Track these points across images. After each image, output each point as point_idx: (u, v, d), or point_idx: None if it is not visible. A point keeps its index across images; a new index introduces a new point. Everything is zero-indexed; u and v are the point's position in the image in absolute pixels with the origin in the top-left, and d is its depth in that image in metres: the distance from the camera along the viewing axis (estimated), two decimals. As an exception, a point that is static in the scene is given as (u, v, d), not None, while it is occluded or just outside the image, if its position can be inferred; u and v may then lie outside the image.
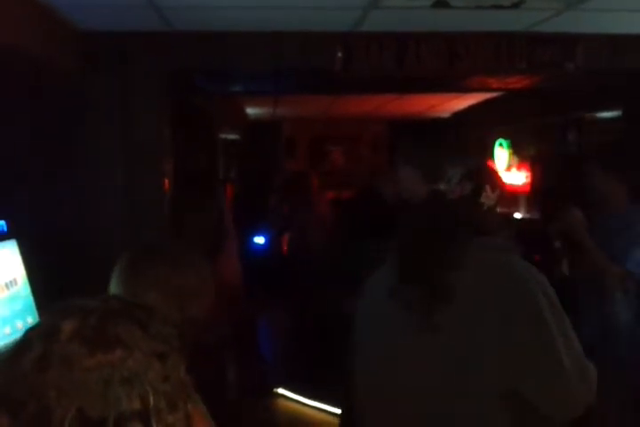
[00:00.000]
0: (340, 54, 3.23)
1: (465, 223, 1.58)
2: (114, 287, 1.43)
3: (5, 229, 2.30)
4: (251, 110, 7.90)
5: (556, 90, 4.84)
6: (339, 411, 3.87)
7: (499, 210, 1.77)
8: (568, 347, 1.45)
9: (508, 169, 7.17)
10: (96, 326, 0.84)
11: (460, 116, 8.34)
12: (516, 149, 7.02)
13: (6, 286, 2.25)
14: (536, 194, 6.17)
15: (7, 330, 2.18)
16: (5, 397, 0.80)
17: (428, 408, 1.50)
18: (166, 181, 3.23)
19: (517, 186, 6.89)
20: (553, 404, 1.46)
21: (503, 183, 1.81)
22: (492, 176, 1.77)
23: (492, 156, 7.55)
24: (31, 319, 2.32)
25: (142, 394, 0.81)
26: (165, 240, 1.63)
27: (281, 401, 3.86)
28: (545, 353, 1.44)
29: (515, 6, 2.75)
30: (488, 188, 1.67)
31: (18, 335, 0.87)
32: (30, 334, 0.86)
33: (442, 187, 1.67)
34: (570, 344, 1.47)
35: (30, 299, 2.35)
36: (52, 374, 0.80)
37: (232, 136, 7.58)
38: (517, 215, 6.58)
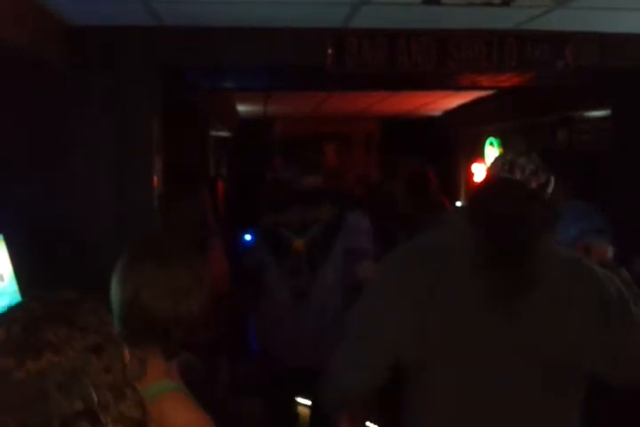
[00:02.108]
0: (330, 51, 3.22)
1: (546, 213, 1.64)
2: (114, 285, 1.43)
3: (-8, 224, 2.29)
4: (242, 108, 7.88)
5: (546, 88, 4.86)
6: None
7: None
8: None
9: (499, 168, 7.19)
10: (20, 334, 0.82)
11: (450, 114, 8.36)
12: (506, 148, 7.05)
13: (-8, 281, 2.23)
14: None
15: (-7, 326, 2.17)
16: None
17: (513, 394, 1.52)
18: (155, 177, 3.21)
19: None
20: (627, 378, 1.58)
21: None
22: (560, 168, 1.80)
23: (482, 154, 7.58)
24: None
25: (83, 394, 0.79)
26: (163, 238, 1.60)
27: (303, 411, 3.84)
28: (630, 337, 1.54)
29: (505, 4, 2.76)
30: (552, 178, 1.69)
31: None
32: None
33: (518, 176, 1.68)
34: None
35: (17, 295, 2.33)
36: None
37: (223, 133, 7.56)
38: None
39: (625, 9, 2.92)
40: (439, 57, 3.30)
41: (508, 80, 3.93)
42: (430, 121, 8.84)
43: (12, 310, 0.89)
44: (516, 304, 1.52)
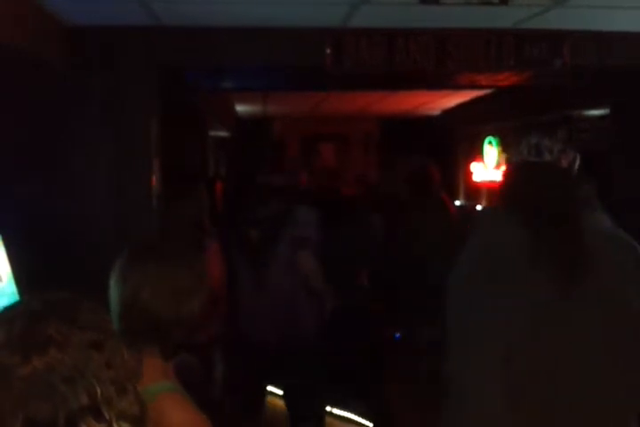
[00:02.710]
0: (329, 50, 3.23)
1: (587, 189, 1.63)
2: (112, 284, 1.42)
3: (-9, 225, 2.28)
4: (240, 108, 7.89)
5: (544, 87, 4.87)
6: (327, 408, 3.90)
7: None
8: None
9: (497, 167, 7.20)
10: (23, 331, 0.83)
11: (449, 113, 8.37)
12: (506, 147, 7.05)
13: (-9, 282, 2.23)
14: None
15: (-8, 327, 2.17)
16: None
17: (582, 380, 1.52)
18: (154, 177, 3.21)
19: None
20: None
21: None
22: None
23: (481, 153, 7.59)
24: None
25: (88, 388, 0.81)
26: (163, 238, 1.60)
27: (270, 399, 3.84)
28: None
29: (503, 3, 2.76)
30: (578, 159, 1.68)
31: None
32: None
33: (548, 158, 1.65)
34: None
35: (15, 296, 2.33)
36: None
37: (222, 133, 7.56)
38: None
39: (623, 7, 2.93)
40: (438, 56, 3.30)
41: (506, 79, 3.93)
42: (429, 120, 8.85)
43: (13, 307, 0.90)
44: (575, 287, 1.51)
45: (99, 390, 0.81)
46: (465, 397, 1.56)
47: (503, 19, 3.14)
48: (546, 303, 1.53)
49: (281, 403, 3.56)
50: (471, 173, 7.93)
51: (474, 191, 8.00)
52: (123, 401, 0.83)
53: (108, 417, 0.81)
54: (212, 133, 6.93)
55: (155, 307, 1.36)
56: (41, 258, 2.61)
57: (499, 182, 1.79)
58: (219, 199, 5.53)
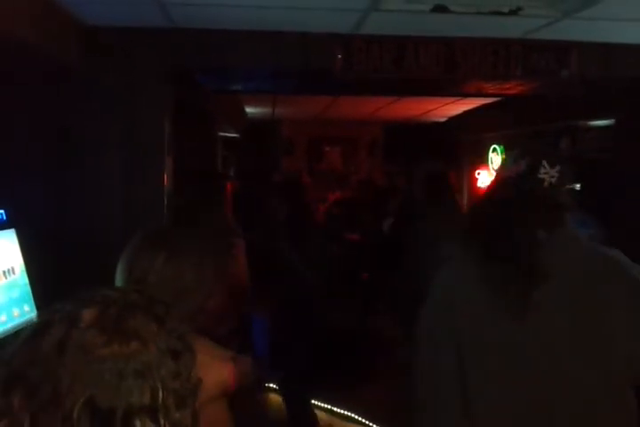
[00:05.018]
0: (339, 55, 3.27)
1: (541, 200, 1.60)
2: (120, 266, 1.43)
3: (5, 218, 2.33)
4: (250, 110, 7.93)
5: (550, 97, 4.90)
6: (326, 405, 3.95)
7: None
8: None
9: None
10: (115, 317, 0.84)
11: (455, 120, 8.40)
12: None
13: (4, 274, 2.28)
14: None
15: (3, 317, 2.22)
16: (22, 377, 0.80)
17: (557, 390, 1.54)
18: (166, 176, 3.26)
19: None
20: None
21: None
22: (548, 152, 1.75)
23: (486, 160, 7.62)
24: (28, 308, 2.36)
25: (153, 388, 0.81)
26: (180, 233, 1.55)
27: (272, 396, 3.89)
28: None
29: (513, 13, 2.80)
30: (545, 163, 1.62)
31: (17, 322, 0.87)
32: (51, 317, 0.86)
33: (531, 173, 1.63)
34: None
35: (28, 287, 2.38)
36: (67, 360, 0.80)
37: (231, 135, 7.60)
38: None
39: (630, 20, 2.97)
40: (446, 64, 3.35)
41: (513, 88, 3.97)
42: (435, 127, 8.88)
43: (107, 293, 0.90)
44: (531, 298, 1.52)
45: (161, 395, 0.82)
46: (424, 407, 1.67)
47: (512, 29, 3.18)
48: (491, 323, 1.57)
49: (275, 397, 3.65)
50: (476, 180, 7.96)
51: (478, 198, 8.02)
52: (179, 413, 0.83)
53: (162, 423, 0.81)
54: (221, 134, 6.97)
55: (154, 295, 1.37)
56: (53, 251, 2.66)
57: (479, 195, 1.80)
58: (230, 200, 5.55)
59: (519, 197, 1.61)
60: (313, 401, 3.81)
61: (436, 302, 1.70)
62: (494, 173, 1.78)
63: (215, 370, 1.33)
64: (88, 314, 0.84)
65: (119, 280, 1.43)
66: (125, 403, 0.79)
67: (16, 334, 2.08)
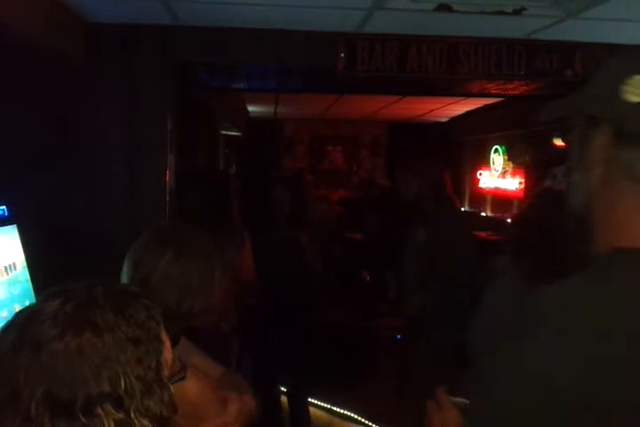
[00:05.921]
0: (342, 54, 3.27)
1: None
2: (127, 263, 1.44)
3: (6, 213, 2.33)
4: (252, 108, 7.94)
5: (554, 97, 4.89)
6: (326, 405, 3.95)
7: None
8: None
9: (503, 175, 7.23)
10: (72, 310, 0.85)
11: (457, 120, 8.40)
12: (511, 156, 7.08)
13: (5, 270, 2.27)
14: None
15: (4, 313, 2.21)
16: None
17: None
18: (168, 173, 3.26)
19: (511, 191, 6.96)
20: None
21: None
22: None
23: (487, 161, 7.62)
24: (29, 304, 2.36)
25: (111, 377, 0.82)
26: (190, 232, 1.57)
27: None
28: None
29: (516, 13, 2.80)
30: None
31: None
32: (16, 317, 0.88)
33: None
34: None
35: (29, 284, 2.38)
36: (23, 357, 0.82)
37: (233, 133, 7.61)
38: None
39: (634, 20, 2.96)
40: (449, 63, 3.35)
41: (516, 88, 3.97)
42: (437, 127, 8.88)
43: (76, 287, 0.91)
44: None
45: (123, 382, 0.83)
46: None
47: (516, 29, 3.18)
48: None
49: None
50: (477, 181, 7.96)
51: (479, 198, 8.03)
52: (147, 399, 0.84)
53: (128, 409, 0.82)
54: (223, 132, 6.97)
55: (159, 295, 1.37)
56: (55, 247, 2.66)
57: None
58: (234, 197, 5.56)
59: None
60: (313, 401, 3.82)
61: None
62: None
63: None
64: (47, 309, 0.86)
65: (125, 277, 1.44)
66: (83, 392, 0.80)
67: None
